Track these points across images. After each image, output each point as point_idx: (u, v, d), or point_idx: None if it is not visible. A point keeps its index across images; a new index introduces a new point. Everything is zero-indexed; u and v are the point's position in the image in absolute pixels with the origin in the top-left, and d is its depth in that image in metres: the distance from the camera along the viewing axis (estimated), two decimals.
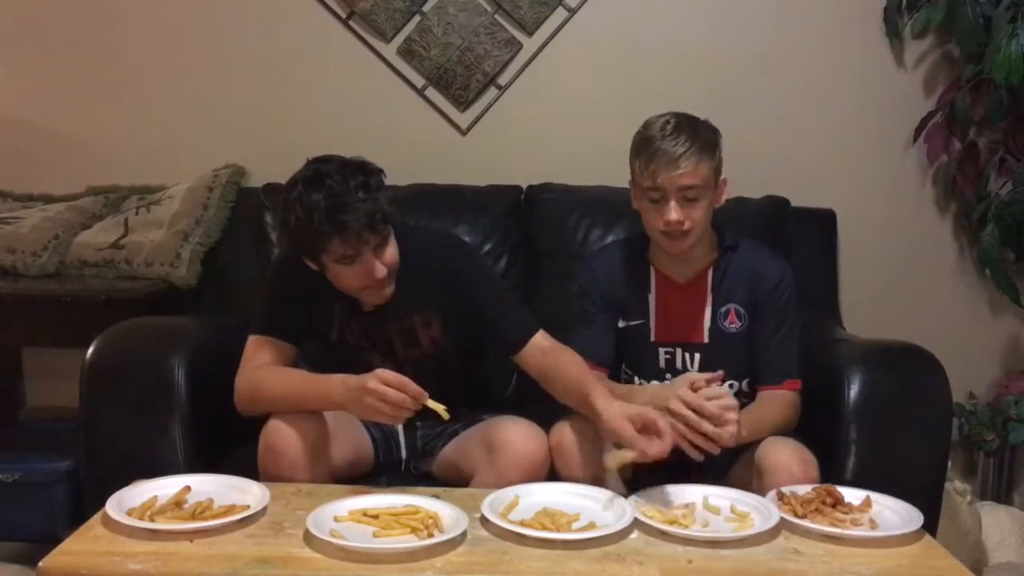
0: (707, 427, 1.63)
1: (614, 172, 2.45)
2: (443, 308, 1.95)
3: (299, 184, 1.79)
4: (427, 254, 1.95)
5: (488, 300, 1.95)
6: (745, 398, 1.95)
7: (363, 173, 1.79)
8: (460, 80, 2.75)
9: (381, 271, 1.80)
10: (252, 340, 1.91)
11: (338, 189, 1.75)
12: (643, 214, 1.90)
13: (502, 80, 2.76)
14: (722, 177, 1.90)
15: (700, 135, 1.83)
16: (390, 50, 2.76)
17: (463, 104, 2.77)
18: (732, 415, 1.65)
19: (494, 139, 2.78)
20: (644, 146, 1.84)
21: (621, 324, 1.98)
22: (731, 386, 1.95)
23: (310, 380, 1.82)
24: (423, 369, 1.95)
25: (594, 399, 1.72)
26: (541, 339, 1.91)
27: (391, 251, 1.84)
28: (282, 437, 1.76)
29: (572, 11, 2.73)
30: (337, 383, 1.75)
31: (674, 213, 1.82)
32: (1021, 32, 2.35)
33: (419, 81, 2.77)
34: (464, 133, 2.78)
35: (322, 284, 1.92)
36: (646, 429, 1.64)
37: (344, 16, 2.74)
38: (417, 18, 2.74)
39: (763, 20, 2.72)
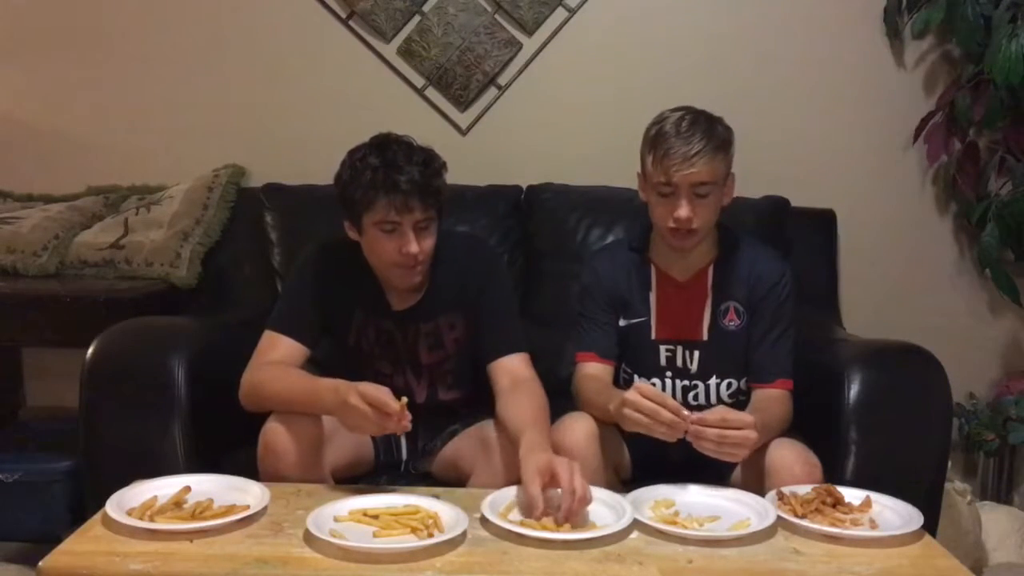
0: (665, 415, 1.65)
1: (614, 172, 2.48)
2: (466, 310, 1.96)
3: (364, 147, 1.86)
4: (458, 257, 1.96)
5: (492, 303, 1.96)
6: (743, 396, 1.96)
7: (427, 154, 1.85)
8: (460, 80, 2.75)
9: (415, 247, 1.81)
10: (266, 336, 1.91)
11: (399, 156, 1.81)
12: (651, 207, 1.89)
13: (502, 80, 2.76)
14: (731, 174, 1.90)
15: (715, 133, 1.82)
16: (390, 50, 2.76)
17: (463, 104, 2.77)
18: (750, 419, 1.68)
19: (494, 139, 2.78)
20: (659, 141, 1.82)
21: (622, 323, 1.97)
22: (730, 384, 1.96)
23: (305, 382, 1.81)
24: (442, 373, 1.97)
25: (520, 444, 1.67)
26: (519, 362, 1.91)
27: (430, 241, 1.85)
28: (280, 438, 1.77)
29: (572, 11, 2.73)
30: (328, 389, 1.73)
31: (684, 210, 1.81)
32: (1021, 32, 2.35)
33: (419, 81, 2.77)
34: (464, 133, 2.78)
35: (344, 288, 1.93)
36: (554, 480, 1.58)
37: (344, 16, 2.75)
38: (417, 18, 2.74)
39: (763, 20, 2.72)
